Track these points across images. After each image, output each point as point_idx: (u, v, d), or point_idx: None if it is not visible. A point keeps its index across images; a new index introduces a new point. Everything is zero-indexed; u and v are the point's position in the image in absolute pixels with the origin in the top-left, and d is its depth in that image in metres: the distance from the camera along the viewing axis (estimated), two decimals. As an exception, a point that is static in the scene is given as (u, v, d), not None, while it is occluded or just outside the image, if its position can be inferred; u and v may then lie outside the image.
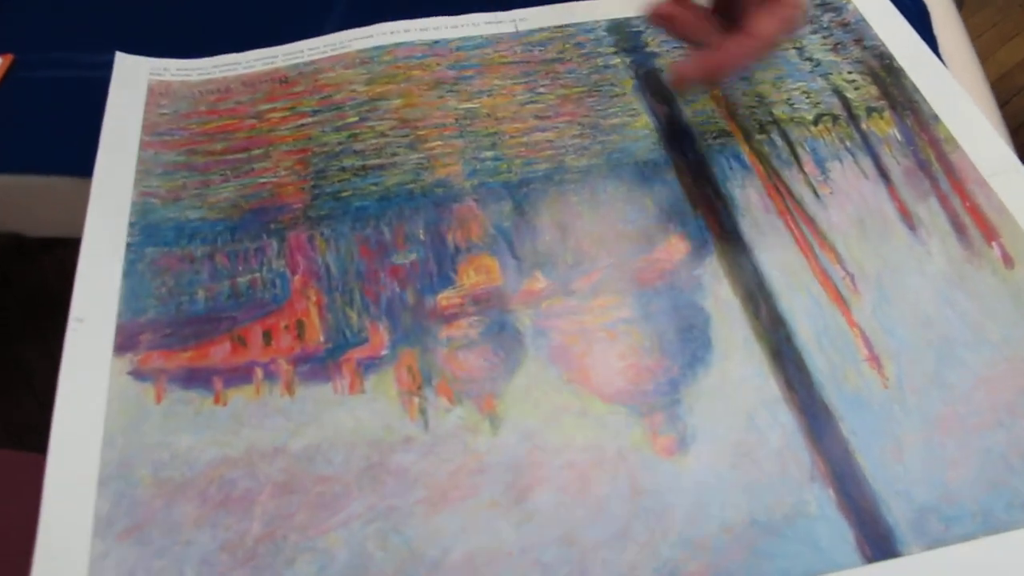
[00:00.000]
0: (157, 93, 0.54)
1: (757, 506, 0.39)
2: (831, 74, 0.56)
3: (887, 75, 0.55)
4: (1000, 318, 0.45)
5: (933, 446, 0.41)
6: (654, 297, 0.45)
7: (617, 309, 0.45)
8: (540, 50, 0.56)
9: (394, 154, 0.51)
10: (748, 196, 0.49)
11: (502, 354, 0.43)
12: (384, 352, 0.44)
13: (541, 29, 0.57)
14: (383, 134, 0.52)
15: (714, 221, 0.48)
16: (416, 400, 0.42)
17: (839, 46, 0.57)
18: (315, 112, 0.53)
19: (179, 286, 0.46)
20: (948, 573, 0.38)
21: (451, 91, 0.54)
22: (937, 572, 0.38)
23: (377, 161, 0.51)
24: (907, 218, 0.49)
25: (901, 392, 0.42)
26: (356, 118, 0.53)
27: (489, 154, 0.51)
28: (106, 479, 0.39)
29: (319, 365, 0.43)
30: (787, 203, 0.49)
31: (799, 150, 0.52)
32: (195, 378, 0.43)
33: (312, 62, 0.56)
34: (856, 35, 0.58)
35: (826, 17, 0.59)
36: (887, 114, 0.53)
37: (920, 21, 0.60)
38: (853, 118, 0.53)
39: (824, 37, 0.58)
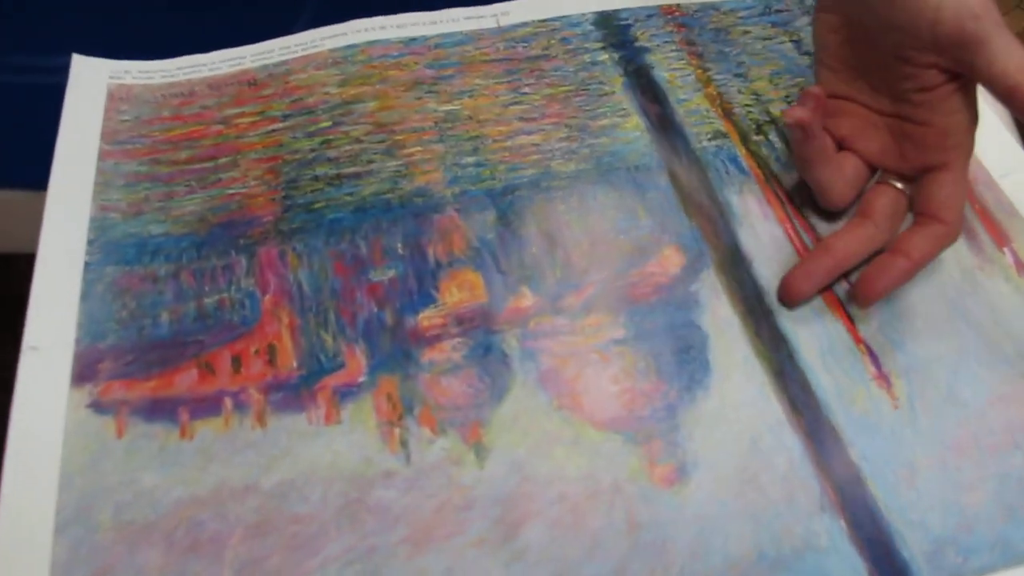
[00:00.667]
0: (117, 98, 0.51)
1: (764, 538, 0.37)
2: (830, 68, 0.53)
3: (889, 69, 0.53)
4: (1015, 329, 0.43)
5: (948, 470, 0.39)
6: (648, 315, 0.43)
7: (609, 328, 0.42)
8: (524, 46, 0.53)
9: (370, 161, 0.48)
10: (746, 203, 0.47)
11: (488, 379, 0.41)
12: (362, 379, 0.41)
13: (524, 24, 0.54)
14: (358, 140, 0.49)
15: (710, 231, 0.46)
16: (397, 431, 0.39)
17: (838, 38, 0.54)
18: (286, 117, 0.50)
19: (141, 308, 0.43)
20: (969, 611, 0.35)
21: (430, 92, 0.51)
22: (957, 611, 0.35)
23: (352, 169, 0.48)
24: (914, 223, 0.46)
25: (912, 413, 0.40)
26: (329, 123, 0.50)
27: (471, 160, 0.48)
28: (63, 524, 0.37)
29: (292, 394, 0.40)
30: (787, 210, 0.47)
31: (799, 152, 0.49)
32: (159, 410, 0.40)
33: (283, 63, 0.53)
34: (855, 26, 0.55)
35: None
36: (890, 111, 0.51)
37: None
38: (854, 116, 0.50)
39: (822, 28, 0.55)
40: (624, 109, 0.50)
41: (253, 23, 0.55)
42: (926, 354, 0.42)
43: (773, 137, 0.49)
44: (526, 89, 0.51)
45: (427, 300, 0.43)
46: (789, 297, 0.43)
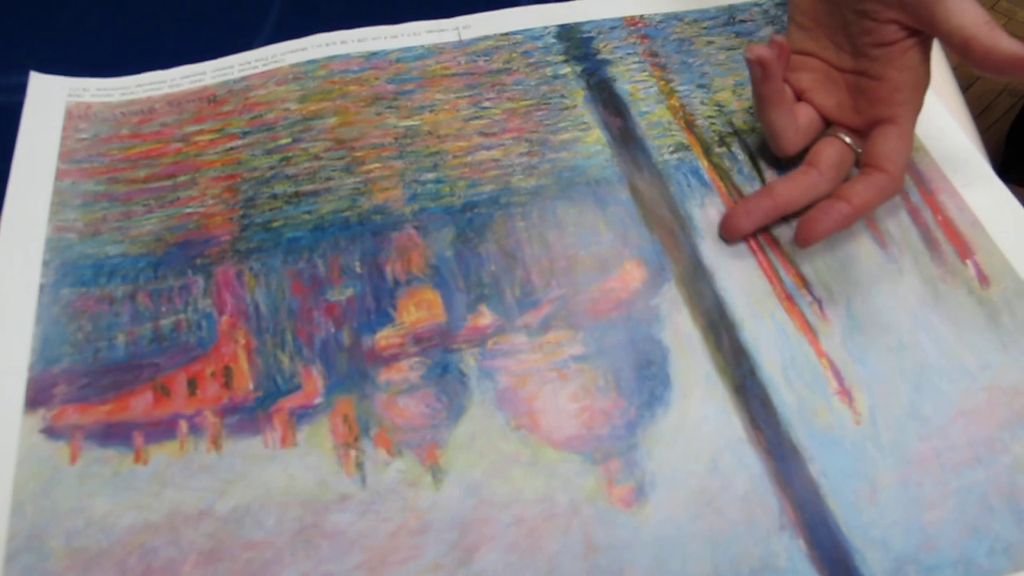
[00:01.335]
0: (75, 116, 0.50)
1: (722, 560, 0.37)
2: (794, 78, 0.52)
3: (853, 78, 0.52)
4: (977, 343, 0.42)
5: (909, 486, 0.38)
6: (609, 330, 0.42)
7: (569, 345, 0.42)
8: (485, 60, 0.53)
9: (329, 178, 0.48)
10: (708, 215, 0.46)
11: (445, 399, 0.40)
12: (318, 400, 0.40)
13: (486, 37, 0.54)
14: (317, 156, 0.48)
15: (672, 244, 0.45)
16: (353, 453, 0.39)
17: (802, 47, 0.54)
18: (245, 133, 0.49)
19: (97, 330, 0.42)
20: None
21: (390, 107, 0.50)
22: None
23: (311, 187, 0.47)
24: (877, 234, 0.46)
25: (874, 428, 0.40)
26: (289, 139, 0.49)
27: (431, 176, 0.48)
28: (14, 552, 0.36)
29: (248, 416, 0.40)
30: (749, 222, 0.46)
31: (761, 163, 0.49)
32: (114, 434, 0.39)
33: (243, 78, 0.52)
34: (820, 35, 0.55)
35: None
36: (854, 121, 0.50)
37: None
38: (818, 126, 0.50)
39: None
40: (585, 123, 0.50)
41: (214, 38, 0.54)
42: (889, 368, 0.42)
43: (736, 149, 0.49)
44: (487, 103, 0.51)
45: (385, 319, 0.43)
46: (727, 232, 0.46)
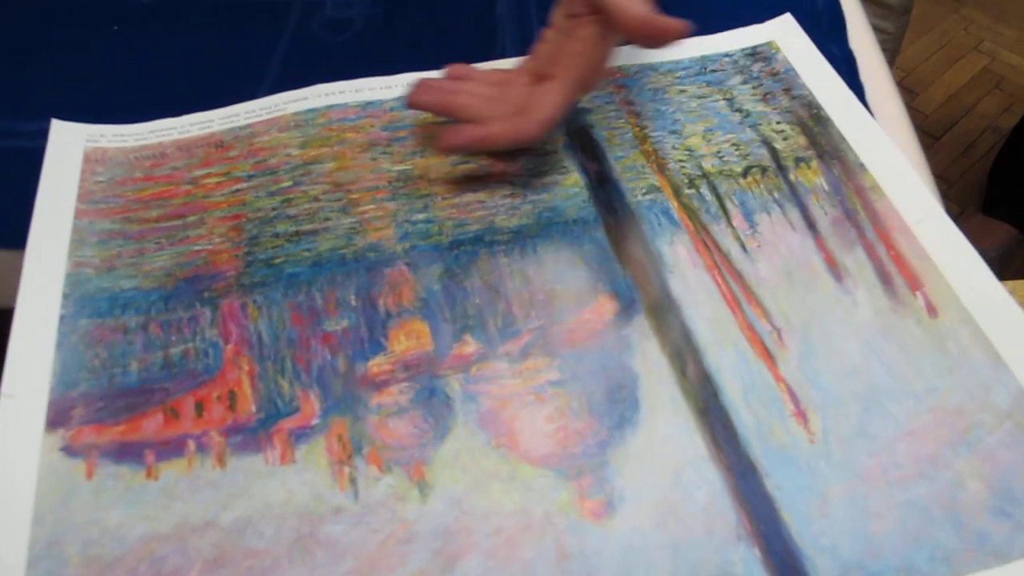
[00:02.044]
0: (93, 160, 0.55)
1: (683, 566, 0.39)
2: (760, 125, 0.56)
3: (815, 124, 0.56)
4: (924, 368, 0.46)
5: (857, 499, 0.41)
6: (583, 357, 0.46)
7: (546, 371, 0.45)
8: (473, 108, 0.57)
9: (327, 218, 0.51)
10: (677, 252, 0.50)
11: (432, 420, 0.44)
12: (315, 421, 0.44)
13: (474, 87, 0.58)
14: (316, 198, 0.52)
15: (643, 279, 0.49)
16: (346, 469, 0.42)
17: (768, 96, 0.58)
18: (250, 177, 0.54)
19: (112, 358, 0.46)
20: (869, 631, 0.38)
21: (384, 153, 0.55)
22: (858, 630, 0.38)
23: (310, 226, 0.51)
24: (834, 268, 0.49)
25: (827, 446, 0.43)
26: (290, 182, 0.53)
27: (421, 216, 0.52)
28: (35, 559, 0.39)
29: (250, 436, 0.43)
30: (715, 258, 0.50)
31: (728, 203, 0.52)
32: (127, 452, 0.43)
33: (248, 126, 0.56)
34: (785, 84, 0.59)
35: (756, 67, 0.60)
36: (815, 163, 0.54)
37: (847, 69, 0.61)
38: (781, 169, 0.54)
39: (754, 87, 0.59)
40: (565, 167, 0.54)
41: (221, 88, 0.59)
42: (841, 391, 0.45)
43: (704, 190, 0.53)
44: (474, 149, 0.55)
45: (377, 348, 0.46)
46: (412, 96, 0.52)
